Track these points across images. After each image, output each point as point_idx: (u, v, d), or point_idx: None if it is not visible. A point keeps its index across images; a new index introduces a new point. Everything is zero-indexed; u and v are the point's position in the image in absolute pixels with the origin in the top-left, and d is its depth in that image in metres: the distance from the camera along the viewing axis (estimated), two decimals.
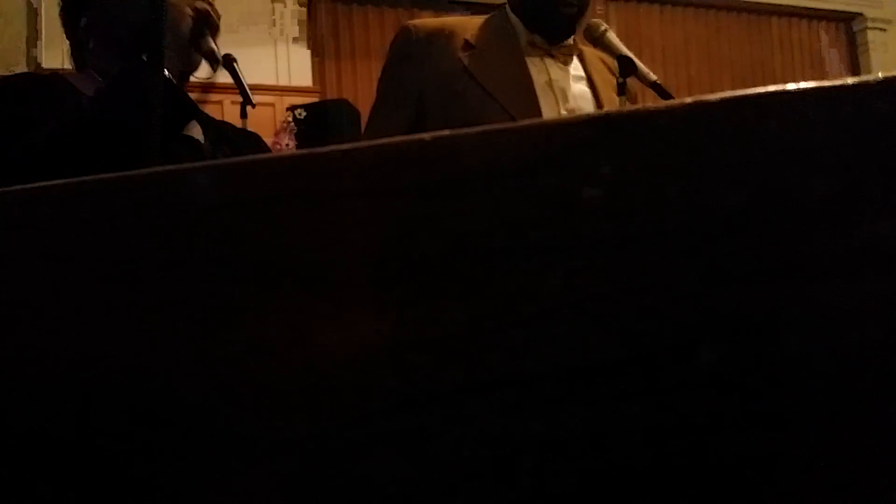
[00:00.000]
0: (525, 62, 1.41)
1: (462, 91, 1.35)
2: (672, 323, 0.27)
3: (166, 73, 0.99)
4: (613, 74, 1.49)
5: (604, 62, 1.51)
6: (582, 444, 0.27)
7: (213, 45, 1.10)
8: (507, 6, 1.49)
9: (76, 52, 1.14)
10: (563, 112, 1.39)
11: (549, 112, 1.37)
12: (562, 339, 0.27)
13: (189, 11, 1.06)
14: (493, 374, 0.28)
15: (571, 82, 1.44)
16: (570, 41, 1.47)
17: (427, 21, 1.48)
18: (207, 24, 1.09)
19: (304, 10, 4.78)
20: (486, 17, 1.51)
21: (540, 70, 1.41)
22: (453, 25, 1.44)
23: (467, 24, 1.45)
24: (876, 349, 0.27)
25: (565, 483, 0.27)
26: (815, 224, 0.27)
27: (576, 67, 1.46)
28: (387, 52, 1.48)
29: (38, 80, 1.02)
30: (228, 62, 1.71)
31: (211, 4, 1.10)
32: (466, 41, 1.40)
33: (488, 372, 0.28)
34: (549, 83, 1.41)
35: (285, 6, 4.68)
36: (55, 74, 1.06)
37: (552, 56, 1.43)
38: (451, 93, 1.35)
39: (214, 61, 1.11)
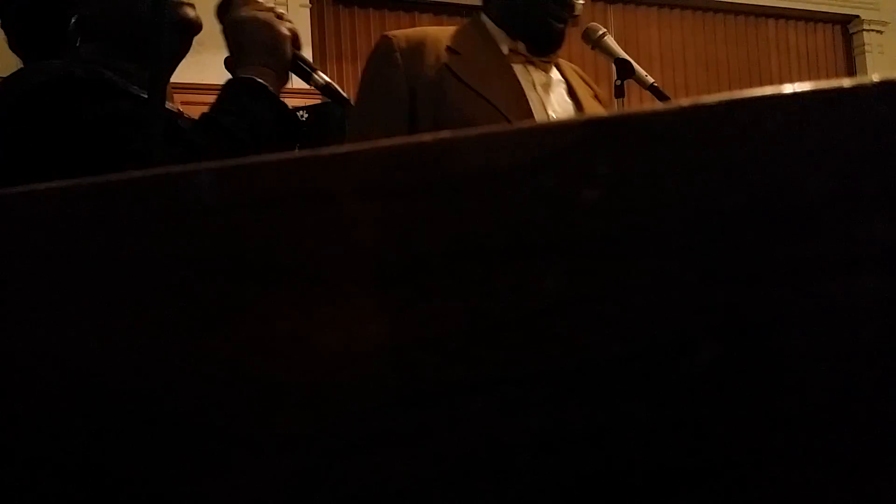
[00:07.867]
0: (510, 66, 1.42)
1: (452, 95, 1.34)
2: (671, 322, 0.27)
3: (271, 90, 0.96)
4: (590, 86, 1.52)
5: (578, 73, 1.54)
6: (582, 442, 0.27)
7: (326, 79, 1.05)
8: (482, 14, 1.50)
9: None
10: (550, 114, 1.40)
11: (537, 114, 1.38)
12: (561, 338, 0.28)
13: (287, 32, 1.01)
14: (493, 372, 0.28)
15: (553, 87, 1.46)
16: None
17: (406, 31, 1.48)
18: (297, 45, 1.04)
19: (307, 12, 4.79)
20: (461, 25, 1.52)
21: (523, 74, 1.43)
22: (433, 33, 1.45)
23: (445, 32, 1.46)
24: (875, 349, 0.27)
25: (565, 481, 0.27)
26: (812, 225, 0.27)
27: (555, 74, 1.49)
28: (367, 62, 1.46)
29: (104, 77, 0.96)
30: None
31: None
32: (449, 47, 1.41)
33: (488, 371, 0.28)
34: (534, 87, 1.42)
35: (287, 9, 4.68)
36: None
37: (533, 63, 1.45)
38: (440, 98, 1.35)
39: (340, 100, 1.07)
